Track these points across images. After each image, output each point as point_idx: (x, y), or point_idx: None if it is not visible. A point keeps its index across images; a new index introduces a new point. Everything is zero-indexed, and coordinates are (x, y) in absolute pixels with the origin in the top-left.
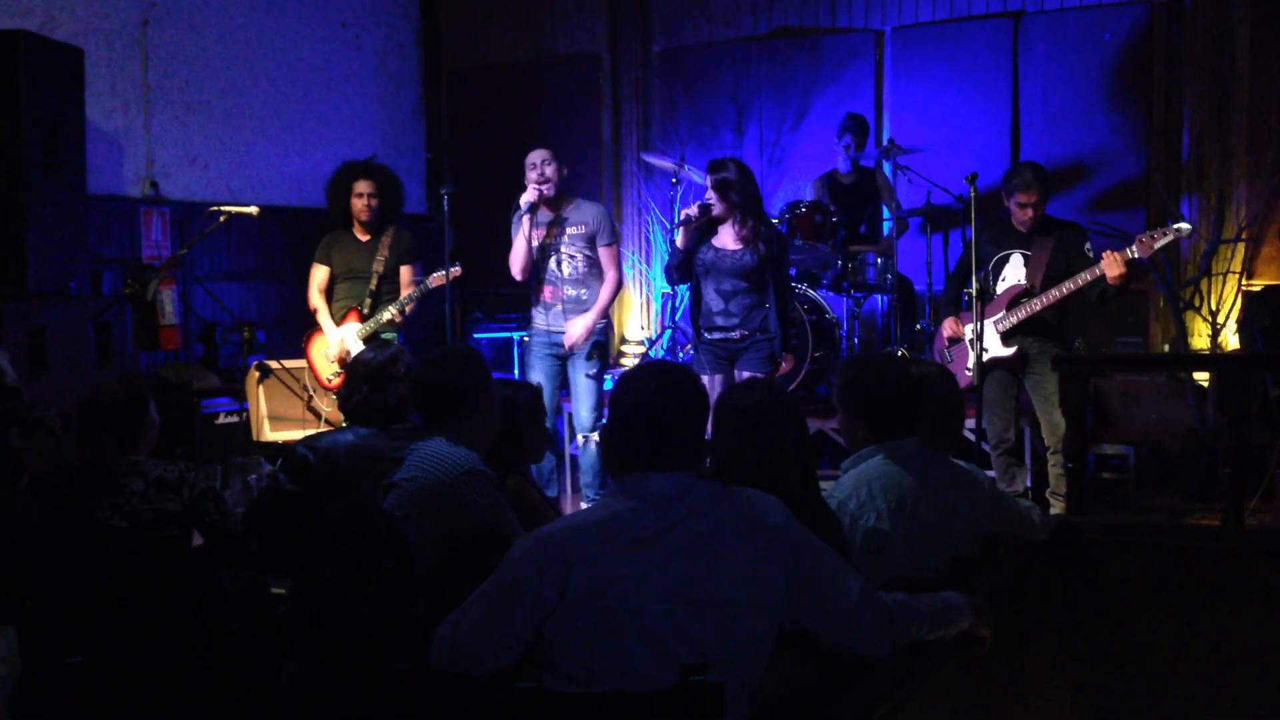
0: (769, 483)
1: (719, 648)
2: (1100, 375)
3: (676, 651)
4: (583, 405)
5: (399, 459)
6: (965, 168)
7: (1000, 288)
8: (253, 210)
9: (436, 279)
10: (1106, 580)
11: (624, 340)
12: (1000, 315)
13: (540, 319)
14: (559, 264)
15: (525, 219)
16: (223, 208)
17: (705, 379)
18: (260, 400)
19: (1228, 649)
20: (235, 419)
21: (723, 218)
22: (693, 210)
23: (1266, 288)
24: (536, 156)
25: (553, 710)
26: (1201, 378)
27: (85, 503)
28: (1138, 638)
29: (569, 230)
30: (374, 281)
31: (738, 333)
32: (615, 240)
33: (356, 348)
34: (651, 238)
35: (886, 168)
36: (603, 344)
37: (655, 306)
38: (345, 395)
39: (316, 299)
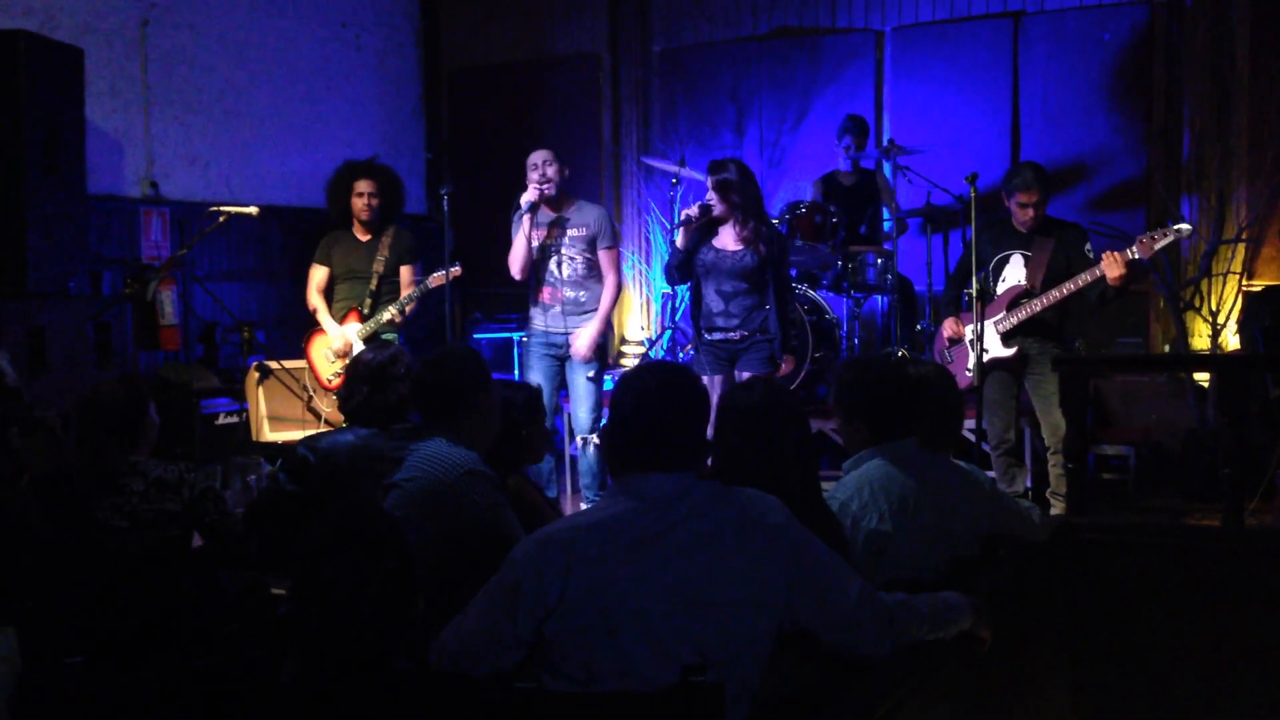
0: (770, 482)
1: (719, 648)
2: (1100, 376)
3: (677, 652)
4: (582, 406)
5: (399, 459)
6: (965, 168)
7: (1000, 288)
8: (252, 210)
9: (436, 279)
10: (1106, 580)
11: (624, 340)
12: (1000, 316)
13: (539, 320)
14: (559, 265)
15: (525, 218)
16: (222, 208)
17: (705, 379)
18: (260, 400)
19: (1228, 649)
20: (235, 419)
21: (723, 218)
22: (693, 210)
23: (1267, 288)
24: (538, 157)
25: (553, 710)
26: (1202, 378)
27: (85, 503)
28: (1138, 638)
29: (570, 232)
30: (374, 281)
31: (738, 333)
32: (616, 243)
33: (357, 347)
34: (651, 238)
35: (886, 168)
36: (602, 345)
37: (655, 307)
38: (345, 396)
39: (315, 299)
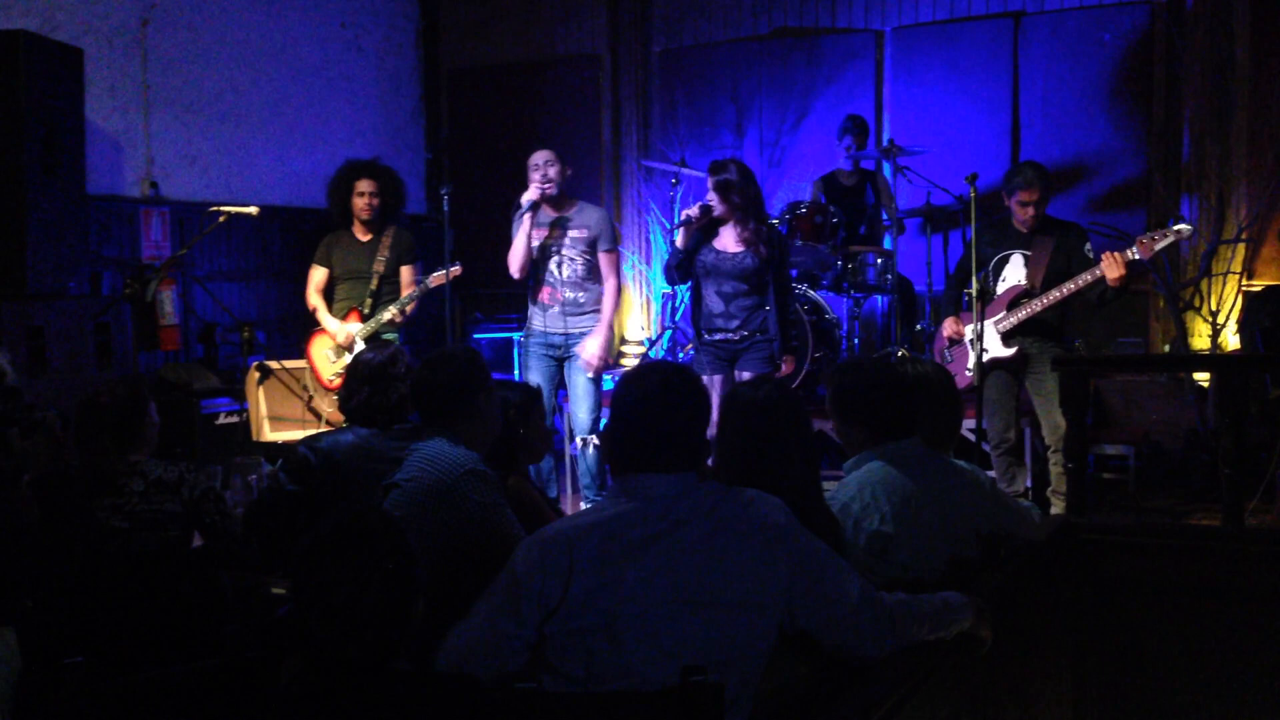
0: (772, 481)
1: (719, 648)
2: (1101, 375)
3: (677, 652)
4: (581, 407)
5: (399, 459)
6: (965, 168)
7: (1001, 288)
8: (252, 210)
9: (437, 278)
10: (1107, 580)
11: (624, 340)
12: (1001, 316)
13: (538, 320)
14: (559, 266)
15: (526, 218)
16: (222, 208)
17: (705, 379)
18: (260, 401)
19: (1228, 649)
20: (235, 419)
21: (724, 219)
22: (693, 211)
23: (1267, 288)
24: (539, 157)
25: (553, 710)
26: (1202, 378)
27: (85, 503)
28: (1138, 637)
29: (571, 233)
30: (374, 281)
31: (738, 334)
32: (616, 246)
33: (358, 344)
34: (652, 238)
35: (886, 168)
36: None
37: (655, 307)
38: (346, 396)
39: (315, 298)
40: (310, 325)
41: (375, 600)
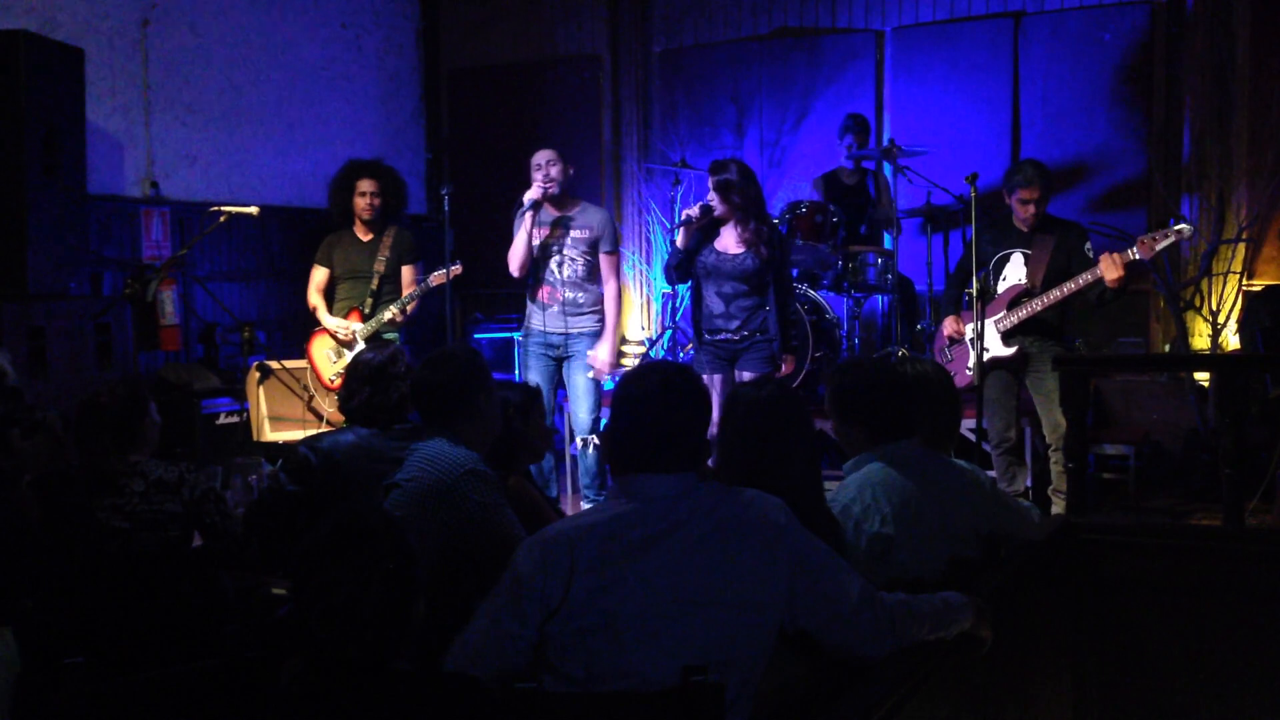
0: (774, 481)
1: (720, 648)
2: (1101, 375)
3: (677, 652)
4: (581, 406)
5: (400, 459)
6: (965, 168)
7: (1001, 287)
8: (253, 210)
9: (437, 277)
10: (1107, 580)
11: (624, 341)
12: (1001, 315)
13: (536, 319)
14: (559, 266)
15: (527, 216)
16: (223, 208)
17: (705, 379)
18: (261, 401)
19: (1228, 649)
20: (236, 419)
21: (724, 219)
22: (694, 211)
23: (1267, 288)
24: (542, 157)
25: (553, 710)
26: (1202, 378)
27: (86, 503)
28: (1138, 637)
29: (573, 233)
30: (375, 281)
31: (738, 334)
32: (617, 248)
33: (359, 341)
34: (652, 238)
35: (886, 168)
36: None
37: (655, 307)
38: (346, 397)
39: (315, 298)
40: (311, 325)
41: (375, 600)
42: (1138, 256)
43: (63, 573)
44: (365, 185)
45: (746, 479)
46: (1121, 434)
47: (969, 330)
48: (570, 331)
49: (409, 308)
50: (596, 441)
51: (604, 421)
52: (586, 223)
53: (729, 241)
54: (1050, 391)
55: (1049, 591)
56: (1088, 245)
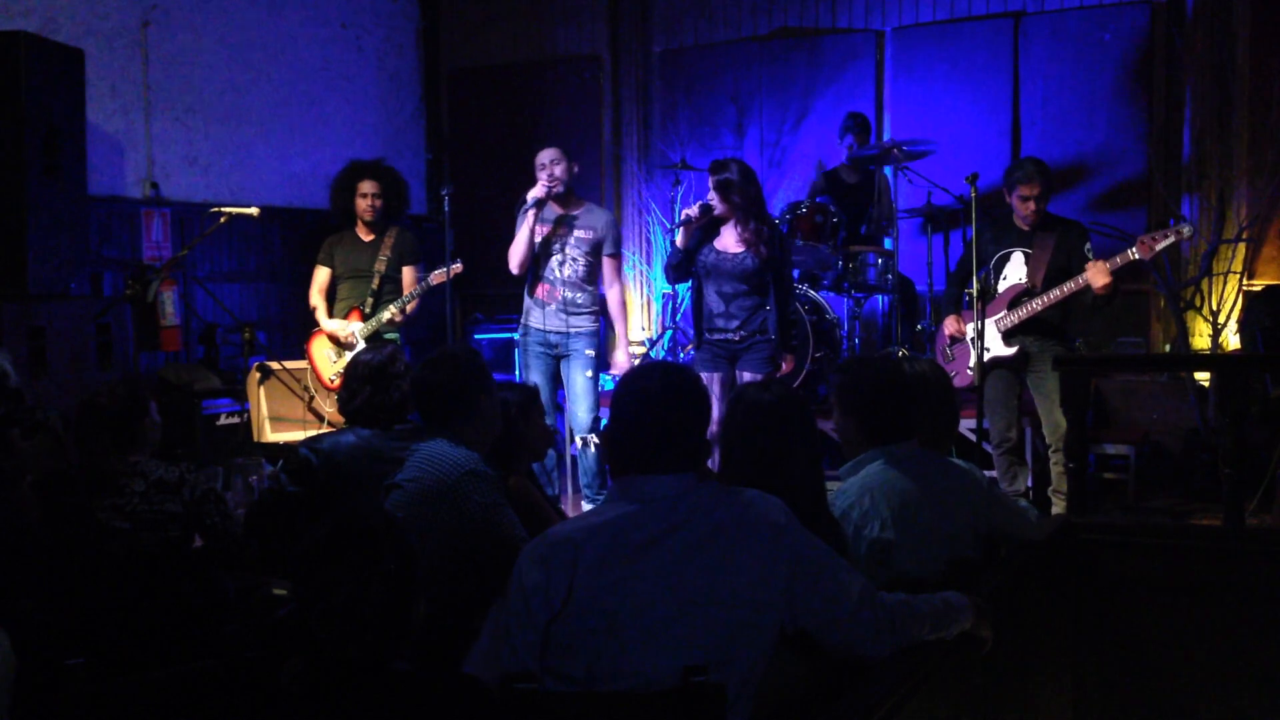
0: (776, 482)
1: (720, 648)
2: (1101, 375)
3: (678, 652)
4: (580, 406)
5: (400, 460)
6: (966, 168)
7: (1002, 286)
8: (253, 211)
9: (438, 276)
10: (1107, 580)
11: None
12: (1002, 314)
13: (535, 317)
14: (560, 265)
15: (530, 214)
16: (223, 208)
17: (705, 377)
18: (261, 401)
19: (1229, 649)
20: (236, 420)
21: (724, 218)
22: (693, 210)
23: (1267, 288)
24: (546, 156)
25: (553, 710)
26: (1202, 378)
27: (86, 504)
28: (1139, 638)
29: (576, 232)
30: (376, 281)
31: (738, 334)
32: (620, 250)
33: (359, 341)
34: (652, 238)
35: (887, 168)
36: (599, 344)
37: (656, 307)
38: (347, 398)
39: (316, 298)
40: (311, 325)
41: (376, 601)
42: (1137, 257)
43: (63, 573)
44: (366, 186)
45: (748, 479)
46: (1122, 434)
47: (970, 330)
48: (567, 330)
49: (409, 307)
50: (596, 441)
51: (603, 421)
52: (590, 224)
53: (729, 241)
54: (1051, 392)
55: (1049, 591)
56: (1088, 246)
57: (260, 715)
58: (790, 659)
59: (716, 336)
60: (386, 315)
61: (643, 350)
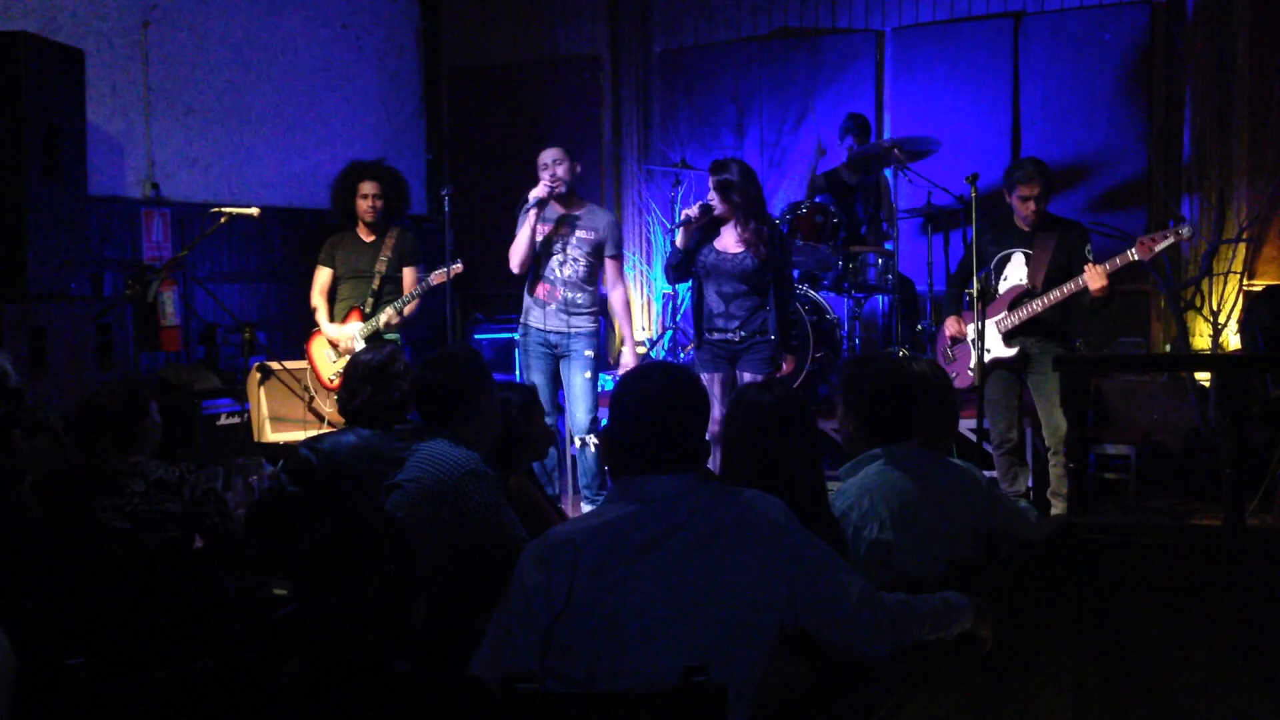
0: (778, 483)
1: (720, 648)
2: (1102, 375)
3: (678, 652)
4: (579, 407)
5: (401, 460)
6: (966, 168)
7: (1003, 286)
8: (253, 211)
9: (438, 276)
10: (1108, 580)
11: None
12: (1002, 315)
13: (535, 316)
14: (560, 265)
15: (531, 213)
16: (223, 209)
17: (706, 378)
18: (261, 401)
19: (1229, 649)
20: (236, 420)
21: (724, 218)
22: (693, 210)
23: (1268, 288)
24: (548, 156)
25: (553, 710)
26: (1203, 378)
27: (86, 504)
28: (1139, 638)
29: (578, 233)
30: (376, 282)
31: (738, 334)
32: (621, 252)
33: (358, 346)
34: (652, 238)
35: (887, 170)
36: (598, 344)
37: (656, 307)
38: (347, 398)
39: (318, 299)
40: (311, 325)
41: (376, 601)
42: (1136, 258)
43: (63, 573)
44: (367, 187)
45: (749, 480)
46: (1122, 434)
47: (970, 330)
48: (567, 331)
49: (407, 309)
50: (595, 442)
51: (603, 422)
52: (592, 224)
53: (729, 241)
54: (1051, 394)
55: (1049, 592)
56: (1088, 247)
57: (260, 715)
58: (790, 659)
59: (716, 337)
60: (384, 318)
61: (643, 350)
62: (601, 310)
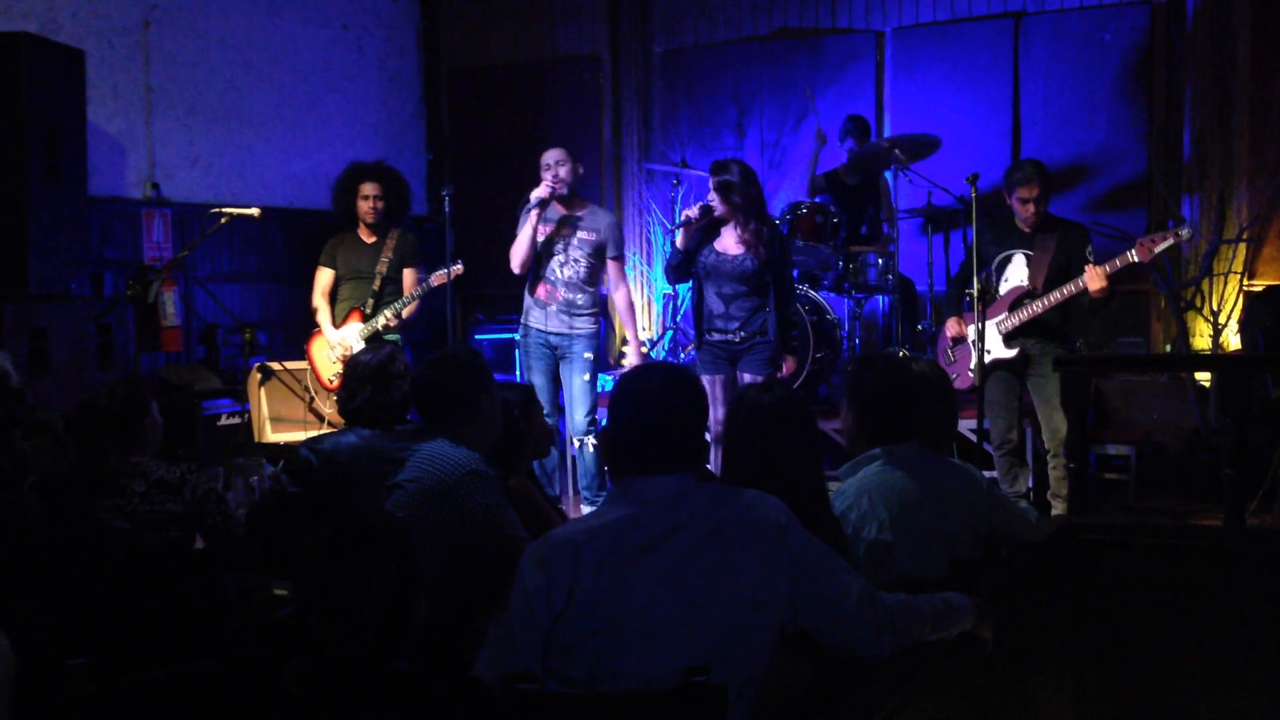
0: (779, 484)
1: (721, 648)
2: (1102, 375)
3: (679, 653)
4: (578, 408)
5: (402, 460)
6: (966, 168)
7: (1004, 288)
8: (254, 212)
9: (438, 277)
10: (1108, 581)
11: (625, 341)
12: (1003, 316)
13: (535, 317)
14: (561, 266)
15: (533, 214)
16: (224, 209)
17: (707, 379)
18: (262, 402)
19: (1230, 649)
20: (237, 421)
21: (725, 219)
22: (694, 211)
23: (1268, 288)
24: (551, 156)
25: (554, 710)
26: (1203, 378)
27: (87, 504)
28: (1140, 638)
29: (579, 234)
30: (377, 283)
31: (738, 335)
32: (622, 253)
33: (359, 347)
34: (653, 238)
35: (887, 173)
36: (598, 346)
37: (657, 307)
38: (347, 399)
39: (319, 300)
40: (312, 326)
41: (376, 601)
42: (1136, 259)
43: (64, 573)
44: (368, 188)
45: (749, 481)
46: (1122, 434)
47: (971, 331)
48: (568, 332)
49: (405, 311)
50: (594, 443)
51: (602, 422)
52: (593, 225)
53: (729, 242)
54: (1051, 396)
55: (1050, 592)
56: (1089, 248)
57: (260, 715)
58: (791, 659)
59: (717, 338)
60: (382, 321)
61: (643, 350)
62: (602, 311)
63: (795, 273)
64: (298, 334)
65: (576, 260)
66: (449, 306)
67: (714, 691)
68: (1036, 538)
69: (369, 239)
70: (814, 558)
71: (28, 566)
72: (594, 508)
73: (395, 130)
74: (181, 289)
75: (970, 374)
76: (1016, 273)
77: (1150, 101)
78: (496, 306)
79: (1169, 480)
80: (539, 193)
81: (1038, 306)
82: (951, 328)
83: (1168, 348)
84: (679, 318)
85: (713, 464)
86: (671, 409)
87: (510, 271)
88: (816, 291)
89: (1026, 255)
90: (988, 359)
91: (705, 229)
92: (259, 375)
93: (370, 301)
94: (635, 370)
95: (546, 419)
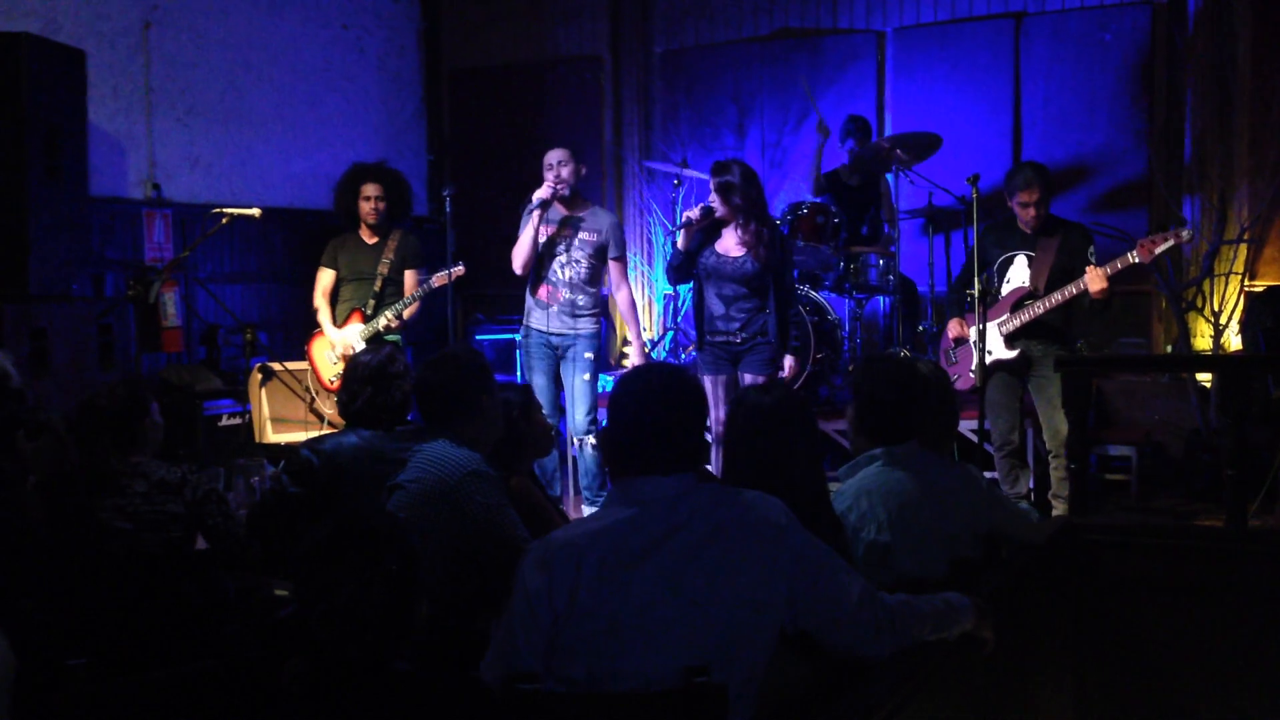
0: (779, 485)
1: (721, 649)
2: (1103, 375)
3: (679, 653)
4: (578, 408)
5: (403, 460)
6: (967, 169)
7: (1006, 289)
8: (255, 212)
9: (439, 279)
10: (1109, 581)
11: (626, 341)
12: (1005, 317)
13: (537, 318)
14: (563, 267)
15: (535, 214)
16: (225, 209)
17: (708, 379)
18: (263, 402)
19: (1231, 650)
20: (238, 421)
21: (725, 220)
22: (694, 212)
23: (1269, 288)
24: (553, 157)
25: (555, 710)
26: (1204, 378)
27: (88, 504)
28: (1141, 639)
29: (581, 234)
30: (378, 283)
31: (739, 336)
32: (624, 253)
33: (360, 348)
34: (653, 239)
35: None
36: (599, 346)
37: (657, 308)
38: (347, 399)
39: (320, 300)
40: (312, 326)
41: (377, 601)
42: (1137, 260)
43: (64, 573)
44: (370, 190)
45: (750, 482)
46: (1123, 434)
47: (972, 332)
48: (569, 332)
49: (406, 312)
50: (594, 443)
51: (602, 422)
52: (596, 226)
53: (730, 243)
54: (1052, 397)
55: (1050, 592)
56: (1091, 249)
57: (261, 715)
58: (791, 659)
59: (718, 339)
60: (383, 322)
61: (647, 350)
62: (603, 311)
63: (796, 273)
64: (298, 334)
65: (578, 261)
66: (450, 307)
67: (714, 692)
68: (1037, 538)
69: (370, 240)
70: (814, 558)
71: (28, 566)
72: (595, 508)
73: (396, 130)
74: (182, 289)
75: (972, 375)
76: (1018, 274)
77: (1151, 102)
78: (497, 307)
79: (1170, 481)
80: (541, 193)
81: (1039, 308)
82: (953, 329)
83: (1169, 348)
84: (680, 318)
85: (713, 464)
86: (671, 409)
87: (511, 272)
88: (817, 292)
89: (1028, 256)
90: (989, 360)
91: (706, 230)
92: (260, 376)
93: (371, 302)
94: (635, 371)
95: (547, 419)
